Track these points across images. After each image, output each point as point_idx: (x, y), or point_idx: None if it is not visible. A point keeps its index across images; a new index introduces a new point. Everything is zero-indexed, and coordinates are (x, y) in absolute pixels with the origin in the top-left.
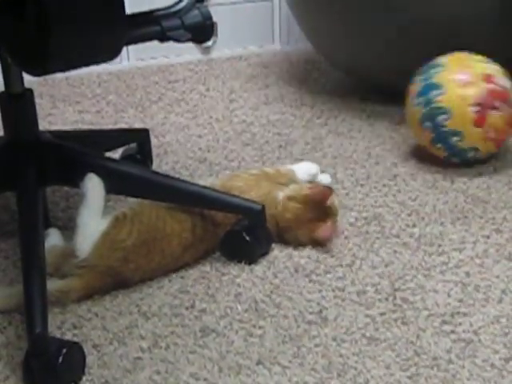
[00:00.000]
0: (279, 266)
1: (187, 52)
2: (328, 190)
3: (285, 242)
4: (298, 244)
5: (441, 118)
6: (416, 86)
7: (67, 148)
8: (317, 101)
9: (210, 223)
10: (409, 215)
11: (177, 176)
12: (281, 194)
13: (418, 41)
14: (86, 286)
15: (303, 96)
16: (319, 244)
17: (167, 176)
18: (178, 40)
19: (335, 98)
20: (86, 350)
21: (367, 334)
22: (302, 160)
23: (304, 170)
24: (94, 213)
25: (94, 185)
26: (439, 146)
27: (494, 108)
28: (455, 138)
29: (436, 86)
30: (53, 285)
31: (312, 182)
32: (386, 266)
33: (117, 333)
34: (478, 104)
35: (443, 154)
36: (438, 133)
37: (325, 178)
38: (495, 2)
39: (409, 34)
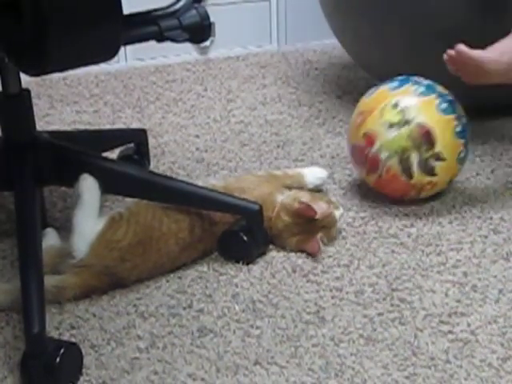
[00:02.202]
0: (277, 266)
1: (185, 52)
2: (312, 211)
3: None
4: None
5: None
6: None
7: (65, 148)
8: (314, 101)
9: (207, 223)
10: (406, 215)
11: (174, 176)
12: (280, 198)
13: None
14: (83, 283)
15: (301, 96)
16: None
17: (165, 176)
18: (175, 40)
19: (333, 98)
20: (83, 350)
21: (365, 334)
22: (300, 160)
23: (313, 173)
24: (90, 213)
25: (88, 185)
26: None
27: None
28: None
29: None
30: (49, 280)
31: (312, 193)
32: (384, 266)
33: (114, 333)
34: None
35: None
36: None
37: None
38: None
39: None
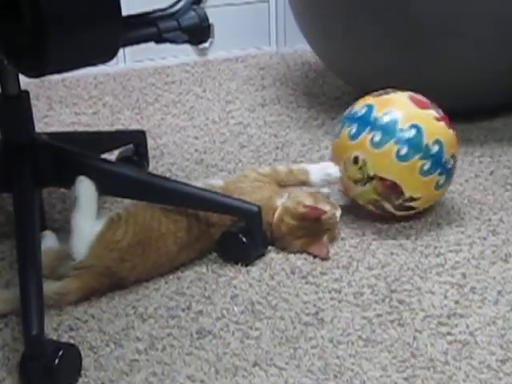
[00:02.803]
0: (276, 267)
1: (183, 53)
2: (321, 211)
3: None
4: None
5: None
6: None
7: (63, 150)
8: (313, 102)
9: (204, 223)
10: (405, 217)
11: (173, 178)
12: (279, 202)
13: (417, 48)
14: (84, 287)
15: (300, 98)
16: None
17: (163, 178)
18: (174, 42)
19: (332, 99)
20: (82, 352)
21: (364, 336)
22: (299, 162)
23: (319, 172)
24: (88, 215)
25: (85, 187)
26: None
27: None
28: None
29: None
30: (50, 287)
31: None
32: (383, 267)
33: (113, 335)
34: None
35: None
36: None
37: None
38: None
39: (407, 43)
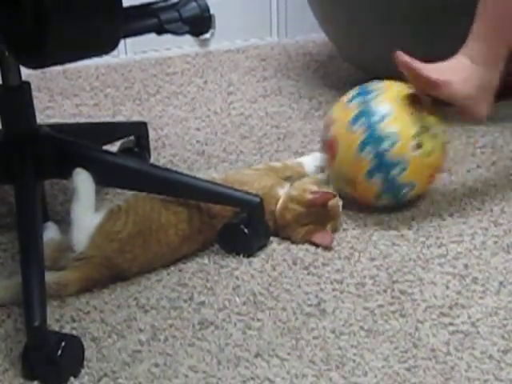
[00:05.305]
0: (277, 258)
1: (185, 45)
2: (330, 195)
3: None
4: (293, 241)
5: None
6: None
7: (65, 141)
8: (315, 93)
9: (205, 215)
10: (407, 207)
11: (175, 169)
12: (281, 191)
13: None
14: (84, 277)
15: (301, 88)
16: (314, 244)
17: (165, 169)
18: (175, 33)
19: (333, 90)
20: (84, 343)
21: (365, 327)
22: (301, 153)
23: (311, 162)
24: (87, 207)
25: (82, 179)
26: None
27: None
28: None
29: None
30: (50, 277)
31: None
32: (385, 258)
33: (115, 326)
34: None
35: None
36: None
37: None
38: None
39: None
